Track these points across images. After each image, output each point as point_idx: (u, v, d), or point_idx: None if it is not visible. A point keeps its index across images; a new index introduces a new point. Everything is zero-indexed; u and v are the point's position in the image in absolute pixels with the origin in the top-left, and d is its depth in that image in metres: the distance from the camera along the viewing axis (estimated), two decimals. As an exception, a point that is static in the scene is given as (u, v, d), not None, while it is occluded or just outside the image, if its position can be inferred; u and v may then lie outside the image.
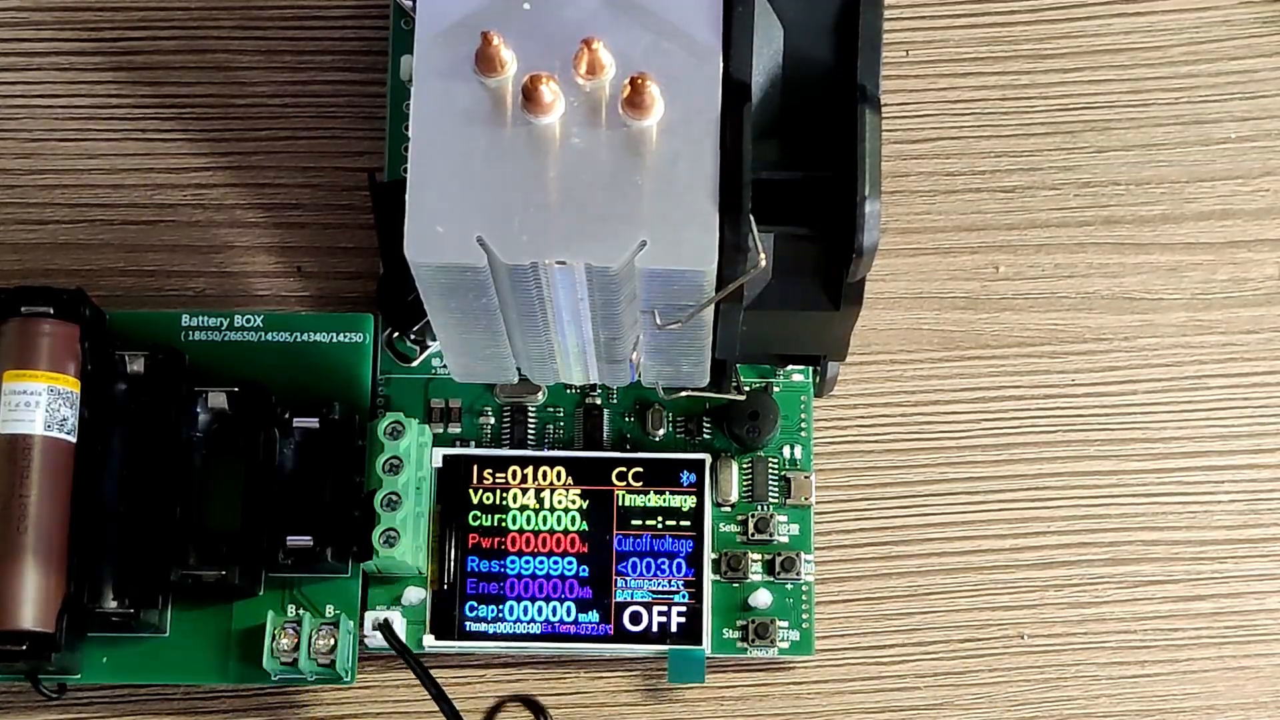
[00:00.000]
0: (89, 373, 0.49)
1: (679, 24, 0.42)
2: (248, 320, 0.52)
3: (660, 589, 0.50)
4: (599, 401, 0.52)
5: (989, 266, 0.54)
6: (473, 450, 0.51)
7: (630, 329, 0.44)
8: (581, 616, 0.50)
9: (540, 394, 0.52)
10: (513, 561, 0.50)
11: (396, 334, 0.52)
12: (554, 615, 0.50)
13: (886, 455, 0.52)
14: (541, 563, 0.50)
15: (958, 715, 0.51)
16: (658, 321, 0.43)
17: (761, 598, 0.51)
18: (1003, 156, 0.54)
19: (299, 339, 0.52)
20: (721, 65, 0.42)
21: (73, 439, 0.49)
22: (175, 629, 0.50)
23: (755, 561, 0.51)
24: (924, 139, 0.54)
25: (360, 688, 0.51)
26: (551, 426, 0.52)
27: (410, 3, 0.53)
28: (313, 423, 0.50)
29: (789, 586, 0.51)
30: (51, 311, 0.49)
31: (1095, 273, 0.53)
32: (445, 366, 0.51)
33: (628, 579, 0.50)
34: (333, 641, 0.49)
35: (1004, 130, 0.54)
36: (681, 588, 0.50)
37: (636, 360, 0.47)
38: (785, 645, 0.50)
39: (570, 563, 0.50)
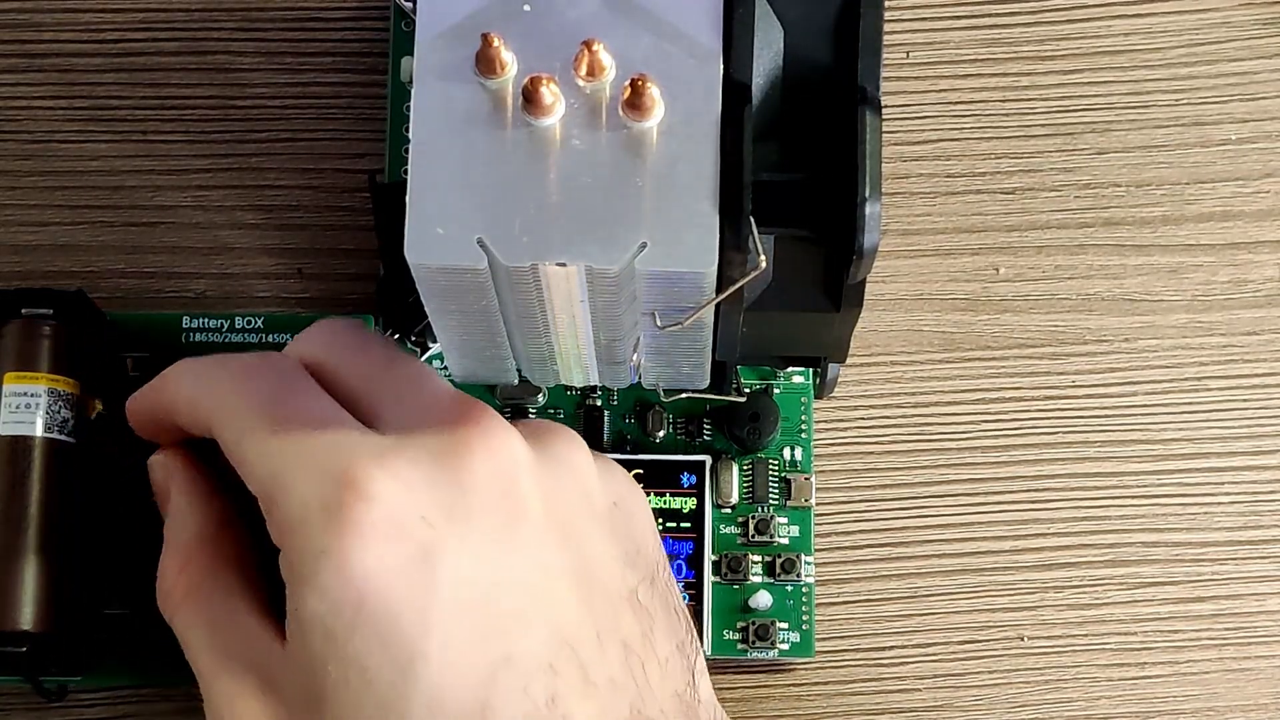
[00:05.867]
0: (90, 374, 0.49)
1: (679, 26, 0.42)
2: (249, 322, 0.52)
3: (660, 590, 0.50)
4: (599, 403, 0.52)
5: (989, 268, 0.54)
6: (473, 452, 0.51)
7: (630, 331, 0.44)
8: (582, 618, 0.50)
9: (541, 395, 0.52)
10: (513, 563, 0.50)
11: (397, 336, 0.52)
12: (554, 617, 0.50)
13: (887, 457, 0.52)
14: (542, 564, 0.50)
15: (958, 717, 0.51)
16: (658, 323, 0.43)
17: (762, 599, 0.51)
18: (1003, 158, 0.54)
19: (299, 340, 0.52)
20: (722, 67, 0.42)
21: (74, 440, 0.49)
22: (176, 630, 0.50)
23: (755, 563, 0.51)
24: (924, 140, 0.54)
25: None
26: (552, 428, 0.52)
27: (410, 4, 0.53)
28: (313, 424, 0.50)
29: (789, 588, 0.51)
30: (52, 313, 0.49)
31: (1096, 274, 0.53)
32: (446, 368, 0.51)
33: (628, 580, 0.50)
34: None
35: (1004, 132, 0.54)
36: (681, 589, 0.50)
37: (637, 362, 0.47)
38: (785, 647, 0.50)
39: (571, 564, 0.50)
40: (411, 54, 0.42)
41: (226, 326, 0.51)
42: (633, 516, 0.45)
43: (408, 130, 0.42)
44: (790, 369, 0.52)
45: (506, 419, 0.46)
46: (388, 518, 0.41)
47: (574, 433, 0.45)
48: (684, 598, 0.50)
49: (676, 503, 0.51)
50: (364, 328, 0.47)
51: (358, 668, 0.41)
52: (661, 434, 0.52)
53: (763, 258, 0.41)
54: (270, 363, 0.45)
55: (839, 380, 0.50)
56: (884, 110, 0.42)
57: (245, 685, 0.43)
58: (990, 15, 0.55)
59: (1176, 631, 0.52)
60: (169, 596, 0.44)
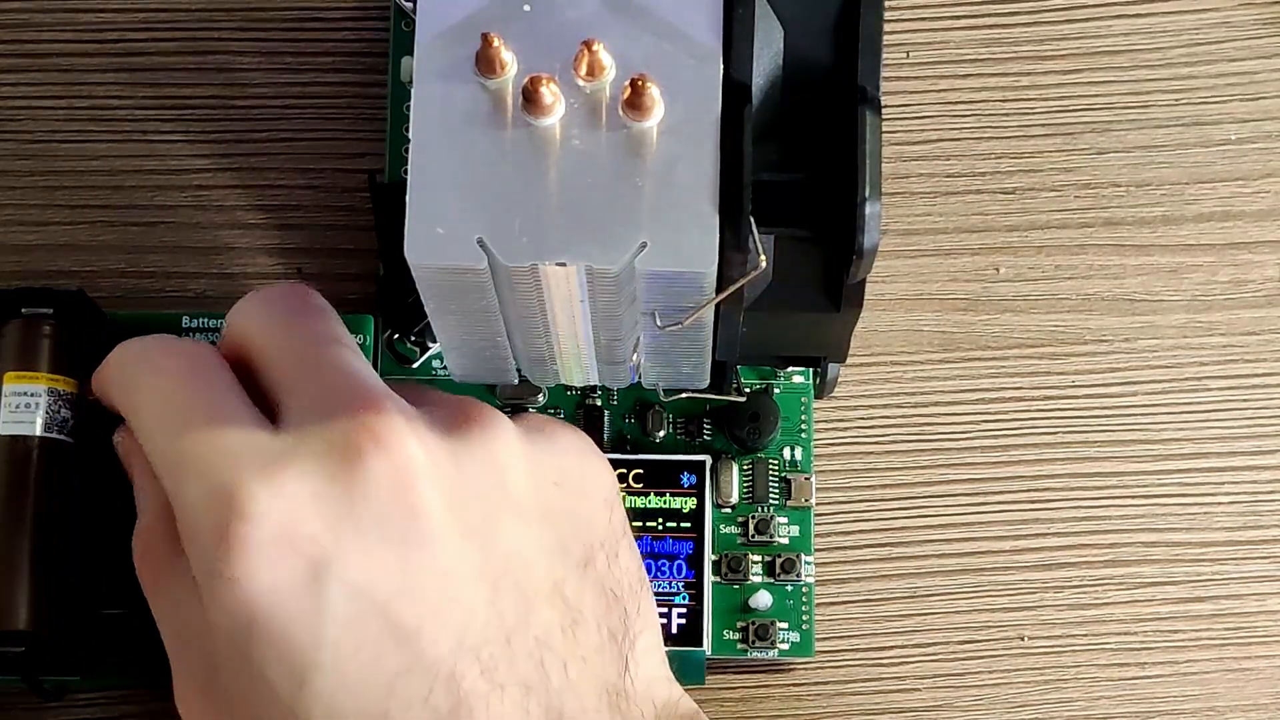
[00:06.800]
0: (90, 374, 0.49)
1: (679, 25, 0.42)
2: (248, 321, 0.52)
3: (660, 591, 0.50)
4: (599, 403, 0.52)
5: (989, 268, 0.54)
6: (473, 452, 0.51)
7: (631, 331, 0.44)
8: (582, 618, 0.50)
9: (541, 395, 0.52)
10: (513, 563, 0.50)
11: (397, 336, 0.52)
12: (554, 617, 0.50)
13: (887, 457, 0.52)
14: (542, 564, 0.50)
15: (958, 717, 0.51)
16: (658, 323, 0.43)
17: (762, 599, 0.51)
18: (1003, 158, 0.54)
19: (299, 340, 0.51)
20: (722, 67, 0.42)
21: (73, 441, 0.49)
22: (175, 630, 0.50)
23: (755, 563, 0.51)
24: (924, 140, 0.54)
25: (360, 689, 0.51)
26: (552, 428, 0.52)
27: (410, 4, 0.53)
28: (313, 424, 0.50)
29: (789, 588, 0.51)
30: (52, 313, 0.49)
31: (1096, 274, 0.53)
32: (446, 368, 0.51)
33: (628, 580, 0.50)
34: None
35: (1004, 132, 0.54)
36: (682, 589, 0.50)
37: (636, 362, 0.47)
38: (785, 647, 0.50)
39: (570, 564, 0.50)
40: (411, 54, 0.42)
41: (226, 326, 0.51)
42: (578, 494, 0.44)
43: (408, 130, 0.42)
44: (790, 369, 0.52)
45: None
46: (272, 537, 0.41)
47: (498, 415, 0.44)
48: (684, 597, 0.50)
49: (676, 503, 0.51)
50: (301, 299, 0.45)
51: (260, 676, 0.41)
52: (661, 434, 0.52)
53: (763, 258, 0.41)
54: (186, 353, 0.44)
55: (839, 380, 0.50)
56: (884, 110, 0.42)
57: (194, 678, 0.43)
58: (990, 15, 0.55)
59: (1176, 631, 0.52)
60: (141, 583, 0.45)
